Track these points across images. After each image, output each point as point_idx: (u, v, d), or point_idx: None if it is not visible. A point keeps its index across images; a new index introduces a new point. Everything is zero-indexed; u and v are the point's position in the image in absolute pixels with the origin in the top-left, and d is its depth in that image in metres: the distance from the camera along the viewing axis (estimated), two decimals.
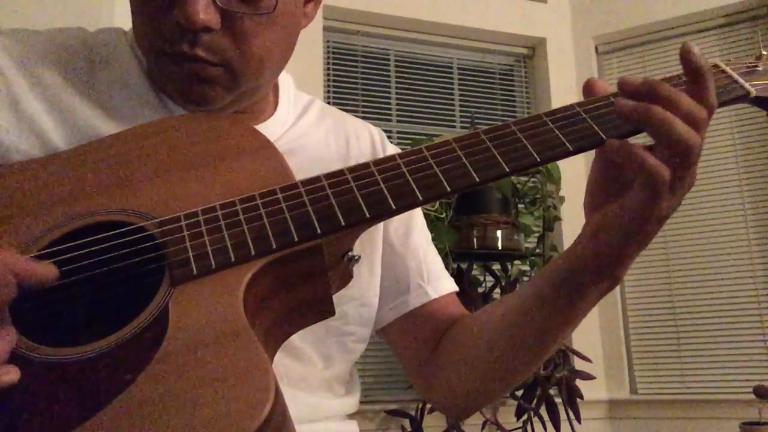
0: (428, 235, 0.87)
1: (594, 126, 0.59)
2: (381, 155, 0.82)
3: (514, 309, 0.69)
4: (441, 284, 0.82)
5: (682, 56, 0.56)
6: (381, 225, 0.80)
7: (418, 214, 0.85)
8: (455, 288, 0.84)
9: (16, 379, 0.44)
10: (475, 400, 0.77)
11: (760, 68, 0.68)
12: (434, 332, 0.79)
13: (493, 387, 0.75)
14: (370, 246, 0.78)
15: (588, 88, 0.61)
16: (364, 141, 0.84)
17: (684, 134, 0.54)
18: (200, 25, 0.60)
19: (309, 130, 0.80)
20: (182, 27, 0.61)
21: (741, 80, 0.66)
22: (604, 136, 0.58)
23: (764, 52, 0.69)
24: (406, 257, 0.81)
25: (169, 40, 0.62)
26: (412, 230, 0.83)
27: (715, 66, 0.67)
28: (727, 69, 0.67)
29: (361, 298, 0.76)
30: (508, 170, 0.57)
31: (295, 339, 0.66)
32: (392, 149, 0.86)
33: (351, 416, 0.80)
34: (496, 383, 0.74)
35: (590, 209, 0.62)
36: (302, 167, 0.74)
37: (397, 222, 0.81)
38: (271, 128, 0.75)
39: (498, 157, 0.58)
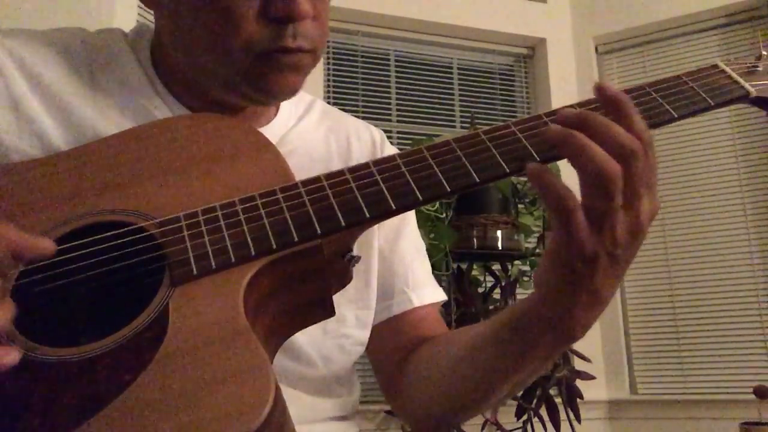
0: (419, 244, 0.86)
1: None
2: (379, 156, 0.82)
3: (474, 341, 0.68)
4: (425, 293, 0.81)
5: (597, 94, 0.54)
6: (376, 229, 0.80)
7: (410, 221, 0.85)
8: (440, 298, 0.83)
9: (17, 361, 0.44)
10: (429, 421, 0.76)
11: (760, 68, 0.68)
12: (410, 342, 0.78)
13: (447, 412, 0.73)
14: (367, 249, 0.78)
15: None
16: (364, 141, 0.84)
17: (598, 159, 0.49)
18: (307, 14, 0.63)
19: (310, 130, 0.80)
20: (284, 22, 0.62)
21: (741, 80, 0.66)
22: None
23: (764, 53, 0.69)
24: (393, 262, 0.80)
25: (267, 38, 0.63)
26: (402, 236, 0.82)
27: (715, 66, 0.67)
28: (727, 69, 0.67)
29: (359, 301, 0.76)
30: (508, 170, 0.57)
31: (295, 339, 0.66)
32: (391, 151, 0.85)
33: (351, 416, 0.80)
34: (450, 409, 0.73)
35: None
36: (303, 167, 0.74)
37: (387, 227, 0.81)
38: (273, 129, 0.75)
39: (498, 157, 0.58)
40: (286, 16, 0.62)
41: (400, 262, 0.81)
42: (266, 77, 0.66)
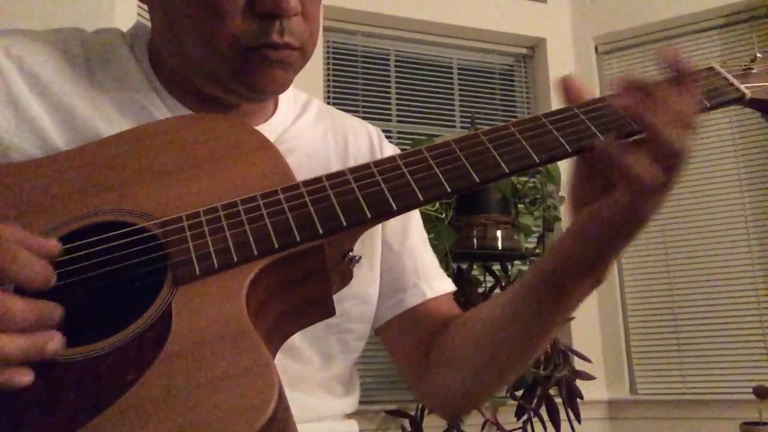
0: (425, 236, 0.87)
1: (592, 127, 0.60)
2: (378, 154, 0.83)
3: (503, 306, 0.70)
4: (437, 284, 0.82)
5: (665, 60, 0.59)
6: (380, 225, 0.80)
7: (415, 214, 0.86)
8: (452, 288, 0.84)
9: (30, 381, 0.44)
10: (468, 399, 0.78)
11: (754, 70, 0.69)
12: (429, 332, 0.79)
13: (484, 386, 0.75)
14: (370, 244, 0.79)
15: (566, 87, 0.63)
16: (362, 140, 0.84)
17: (675, 138, 0.55)
18: (294, 11, 0.64)
19: (308, 128, 0.80)
20: (272, 18, 0.63)
21: (736, 82, 0.67)
22: (602, 137, 0.59)
23: (758, 55, 0.70)
24: (403, 256, 0.81)
25: (254, 34, 0.64)
26: (410, 230, 0.84)
27: (711, 68, 0.68)
28: (723, 71, 0.68)
29: (362, 296, 0.77)
30: (507, 171, 0.58)
31: (294, 339, 0.67)
32: (390, 148, 0.86)
33: (351, 416, 0.80)
34: (486, 382, 0.75)
35: (574, 208, 0.63)
36: (301, 166, 0.74)
37: (395, 222, 0.82)
38: (271, 127, 0.76)
39: (498, 158, 0.58)
40: (273, 11, 0.63)
41: (409, 256, 0.82)
42: (254, 73, 0.66)
